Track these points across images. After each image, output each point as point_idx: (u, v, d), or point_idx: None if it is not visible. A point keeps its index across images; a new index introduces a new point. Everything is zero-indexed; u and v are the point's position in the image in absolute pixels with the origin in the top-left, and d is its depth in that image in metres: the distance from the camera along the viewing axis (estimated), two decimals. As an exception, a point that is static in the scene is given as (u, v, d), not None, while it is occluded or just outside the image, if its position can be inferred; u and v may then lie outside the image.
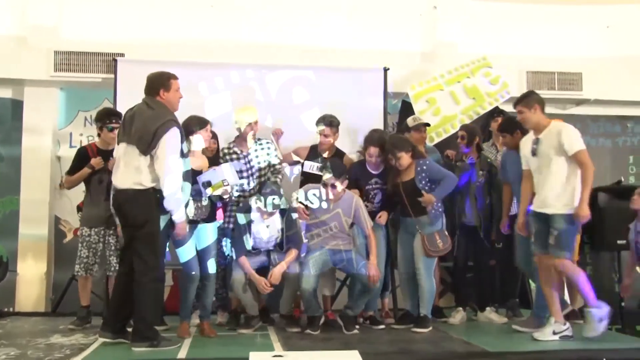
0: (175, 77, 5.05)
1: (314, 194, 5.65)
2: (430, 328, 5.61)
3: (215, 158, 5.79)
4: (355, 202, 5.68)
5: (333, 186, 5.61)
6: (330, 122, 6.11)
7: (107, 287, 5.89)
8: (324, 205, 5.63)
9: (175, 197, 4.78)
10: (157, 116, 4.81)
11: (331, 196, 5.61)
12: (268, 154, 6.02)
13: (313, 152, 6.23)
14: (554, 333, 5.17)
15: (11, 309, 7.06)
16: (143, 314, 4.82)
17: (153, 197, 4.79)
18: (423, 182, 5.70)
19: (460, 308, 6.16)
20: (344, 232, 5.71)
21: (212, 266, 5.36)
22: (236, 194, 5.77)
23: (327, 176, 5.61)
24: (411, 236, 5.76)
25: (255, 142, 6.01)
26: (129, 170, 4.81)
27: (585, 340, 5.18)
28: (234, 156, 5.95)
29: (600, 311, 5.12)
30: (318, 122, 6.17)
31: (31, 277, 7.17)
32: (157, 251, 4.87)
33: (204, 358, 4.72)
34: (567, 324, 5.23)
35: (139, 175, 4.77)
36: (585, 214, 4.99)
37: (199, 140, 5.28)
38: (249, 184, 5.93)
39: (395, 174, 5.79)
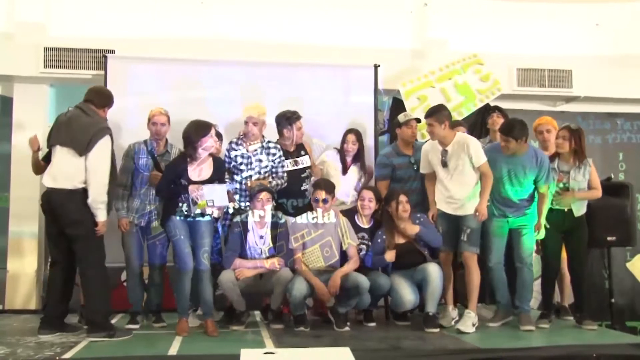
0: None
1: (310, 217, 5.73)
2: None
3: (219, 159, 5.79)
4: (340, 227, 5.74)
5: (325, 201, 5.66)
6: (296, 115, 6.17)
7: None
8: (318, 223, 5.69)
9: (101, 200, 5.05)
10: (94, 122, 5.15)
11: (321, 217, 5.66)
12: (273, 160, 5.97)
13: None
14: (473, 325, 5.50)
15: (1, 307, 7.03)
16: (96, 306, 5.09)
17: (84, 198, 5.05)
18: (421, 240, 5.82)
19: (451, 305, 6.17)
20: (335, 257, 5.72)
21: (206, 261, 5.35)
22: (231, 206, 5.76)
23: (319, 192, 5.69)
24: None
25: (263, 143, 5.99)
26: (63, 172, 5.09)
27: (576, 336, 5.23)
28: (237, 152, 5.93)
29: (475, 317, 5.55)
30: (294, 119, 6.16)
31: (21, 275, 7.13)
32: (98, 245, 5.15)
33: (195, 354, 4.71)
34: (475, 316, 5.57)
35: (73, 176, 5.06)
36: (485, 210, 5.55)
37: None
38: (246, 178, 5.90)
39: (392, 234, 5.82)
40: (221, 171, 5.57)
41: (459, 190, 5.64)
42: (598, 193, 5.82)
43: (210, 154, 5.50)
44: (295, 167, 6.15)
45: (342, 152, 6.27)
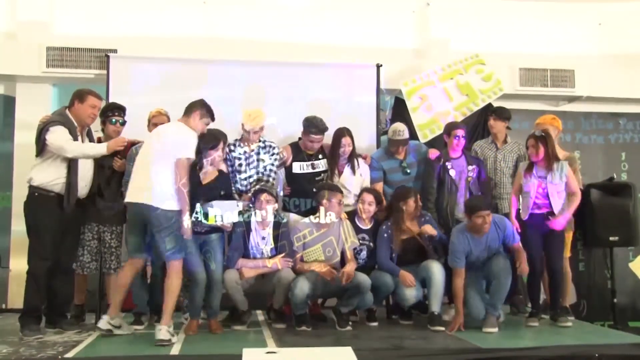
0: (97, 96, 5.50)
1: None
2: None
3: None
4: (343, 227, 5.77)
5: (339, 203, 5.70)
6: (323, 130, 6.06)
7: (105, 284, 5.90)
8: (320, 223, 5.67)
9: (79, 151, 5.29)
10: (48, 121, 5.32)
11: (324, 217, 5.64)
12: (270, 158, 5.95)
13: (297, 151, 6.18)
14: None
15: (3, 306, 7.04)
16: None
17: (32, 195, 5.32)
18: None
19: (453, 305, 6.16)
20: (337, 257, 5.75)
21: (217, 273, 5.41)
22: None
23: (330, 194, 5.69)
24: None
25: (261, 143, 5.97)
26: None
27: (578, 336, 5.23)
28: (237, 153, 5.92)
29: None
30: (312, 129, 6.05)
31: (23, 274, 7.07)
32: (33, 239, 5.33)
33: (198, 354, 4.70)
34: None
35: (30, 174, 5.33)
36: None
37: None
38: (246, 178, 5.91)
39: (399, 229, 5.79)
40: (226, 184, 5.60)
41: None
42: (575, 199, 5.70)
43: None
44: (312, 170, 6.14)
45: (334, 157, 6.11)
